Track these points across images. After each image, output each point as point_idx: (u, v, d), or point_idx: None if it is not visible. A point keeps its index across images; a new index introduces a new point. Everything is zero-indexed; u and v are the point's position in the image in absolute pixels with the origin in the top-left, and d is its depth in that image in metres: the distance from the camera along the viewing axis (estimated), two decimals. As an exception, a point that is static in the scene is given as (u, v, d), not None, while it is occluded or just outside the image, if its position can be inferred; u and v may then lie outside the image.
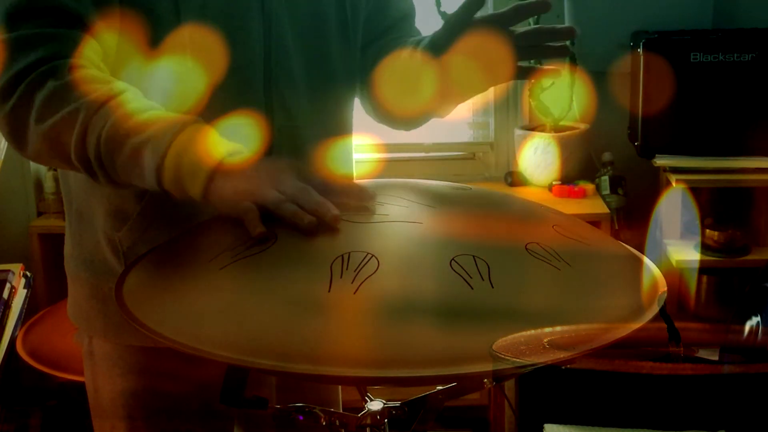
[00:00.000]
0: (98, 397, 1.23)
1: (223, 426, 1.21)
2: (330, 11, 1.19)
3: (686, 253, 2.28)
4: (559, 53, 1.17)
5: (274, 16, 1.13)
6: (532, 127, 2.55)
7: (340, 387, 1.34)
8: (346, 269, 0.83)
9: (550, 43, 1.12)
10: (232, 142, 0.97)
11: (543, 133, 2.49)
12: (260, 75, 1.12)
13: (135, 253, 1.10)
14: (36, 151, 1.00)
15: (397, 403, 0.95)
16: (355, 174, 1.29)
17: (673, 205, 2.32)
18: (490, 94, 2.67)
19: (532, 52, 1.14)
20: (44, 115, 0.96)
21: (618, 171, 2.52)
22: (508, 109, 2.67)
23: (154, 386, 1.18)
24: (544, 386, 0.68)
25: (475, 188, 1.10)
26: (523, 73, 1.15)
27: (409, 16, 1.33)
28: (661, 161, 2.35)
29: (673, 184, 2.28)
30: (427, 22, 2.45)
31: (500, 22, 1.11)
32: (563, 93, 2.48)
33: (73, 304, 1.24)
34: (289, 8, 1.14)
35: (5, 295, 2.20)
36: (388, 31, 1.29)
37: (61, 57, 0.99)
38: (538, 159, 2.47)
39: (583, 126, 2.53)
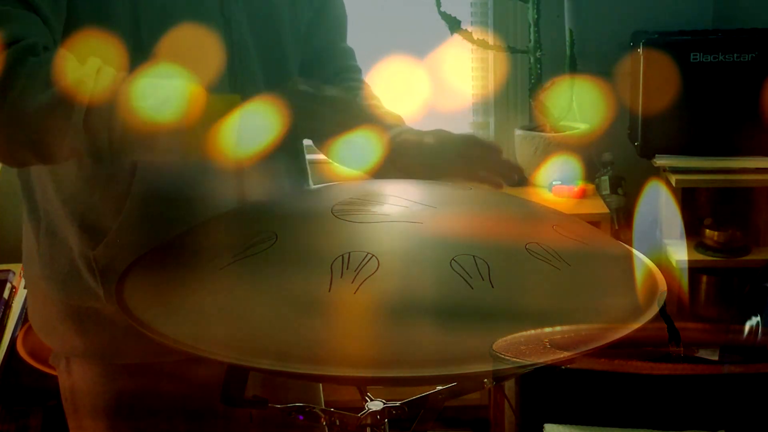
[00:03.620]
0: (79, 416, 1.21)
1: (224, 426, 1.21)
2: (284, 13, 1.20)
3: (686, 253, 2.28)
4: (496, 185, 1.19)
5: (233, 18, 1.13)
6: (532, 127, 2.54)
7: (320, 385, 1.33)
8: (347, 269, 0.83)
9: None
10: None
11: (543, 133, 2.48)
12: (226, 78, 1.12)
13: (111, 271, 1.08)
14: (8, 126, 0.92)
15: (397, 403, 0.95)
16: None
17: (672, 205, 2.32)
18: (490, 94, 2.67)
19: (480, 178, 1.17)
20: (30, 92, 0.91)
21: (618, 171, 2.52)
22: (508, 109, 2.67)
23: (142, 398, 1.17)
24: (544, 386, 0.68)
25: (475, 188, 1.10)
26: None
27: (343, 27, 1.34)
28: (661, 161, 2.35)
29: (673, 184, 2.28)
30: (428, 22, 2.46)
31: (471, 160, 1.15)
32: (563, 93, 2.48)
33: (46, 325, 1.20)
34: (247, 10, 1.14)
35: (6, 295, 2.20)
36: (327, 46, 1.30)
37: (35, 36, 0.95)
38: (538, 159, 2.47)
39: (583, 126, 2.53)
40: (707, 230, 2.32)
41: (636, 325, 0.81)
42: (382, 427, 0.94)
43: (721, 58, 2.31)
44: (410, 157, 1.14)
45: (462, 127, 2.71)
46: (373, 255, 0.84)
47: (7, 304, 2.18)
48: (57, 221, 1.13)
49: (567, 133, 2.48)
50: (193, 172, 1.08)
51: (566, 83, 2.46)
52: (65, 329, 1.17)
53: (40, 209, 1.15)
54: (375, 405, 0.95)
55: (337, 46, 1.32)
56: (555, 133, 2.48)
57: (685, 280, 2.24)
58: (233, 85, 1.13)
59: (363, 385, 0.98)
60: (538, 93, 2.47)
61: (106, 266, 1.10)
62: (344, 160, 1.13)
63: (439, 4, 2.40)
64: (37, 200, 1.15)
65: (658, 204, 2.34)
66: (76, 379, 1.19)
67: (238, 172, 1.13)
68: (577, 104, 2.52)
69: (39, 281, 1.18)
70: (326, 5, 1.29)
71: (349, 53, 1.34)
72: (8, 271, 2.18)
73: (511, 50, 2.49)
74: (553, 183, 2.47)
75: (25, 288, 1.26)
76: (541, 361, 0.69)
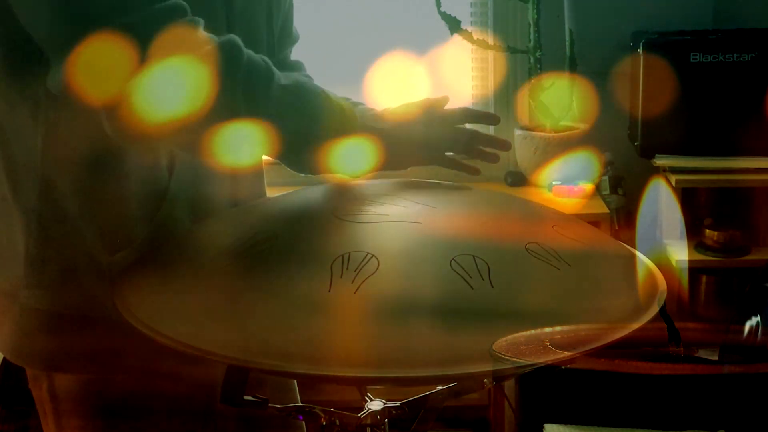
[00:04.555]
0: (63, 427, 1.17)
1: (224, 426, 1.21)
2: (261, 19, 1.20)
3: (686, 253, 2.28)
4: (489, 159, 1.26)
5: (234, 33, 1.12)
6: (532, 127, 2.54)
7: (295, 381, 1.32)
8: (346, 269, 0.83)
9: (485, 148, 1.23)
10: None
11: (543, 133, 2.48)
12: None
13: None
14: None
15: (397, 403, 0.95)
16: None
17: (673, 205, 2.32)
18: (490, 94, 2.67)
19: (465, 150, 1.23)
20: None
21: (618, 171, 2.51)
22: (508, 109, 2.67)
23: (140, 399, 1.14)
24: (544, 386, 0.68)
25: (475, 188, 1.10)
26: (445, 163, 1.25)
27: (294, 43, 1.37)
28: (661, 161, 2.35)
29: (673, 184, 2.28)
30: (428, 23, 2.46)
31: (447, 121, 1.20)
32: (563, 93, 2.47)
33: (26, 343, 1.13)
34: (242, 24, 1.14)
35: (5, 295, 2.19)
36: (284, 60, 1.32)
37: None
38: (538, 159, 2.47)
39: (583, 126, 2.53)
40: (707, 230, 2.32)
41: (636, 325, 0.81)
42: (382, 427, 0.94)
43: (721, 58, 2.31)
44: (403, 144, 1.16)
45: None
46: (373, 255, 0.84)
47: (7, 304, 2.18)
48: (56, 226, 1.07)
49: (567, 133, 2.48)
50: (209, 174, 1.09)
51: (566, 83, 2.46)
52: (48, 342, 1.11)
53: (32, 213, 1.07)
54: (375, 405, 0.95)
55: (289, 59, 1.34)
56: (555, 133, 2.48)
57: (685, 280, 2.24)
58: None
59: (363, 385, 0.98)
60: (538, 93, 2.47)
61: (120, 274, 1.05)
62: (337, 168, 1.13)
63: (439, 5, 2.40)
64: (29, 203, 1.07)
65: (659, 204, 2.34)
66: (61, 394, 1.15)
67: (232, 176, 1.15)
68: (577, 104, 2.52)
69: (17, 291, 1.10)
70: (286, 26, 1.30)
71: (300, 66, 1.35)
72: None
73: (511, 50, 2.49)
74: (553, 183, 2.47)
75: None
76: (541, 361, 0.69)
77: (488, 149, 1.25)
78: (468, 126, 1.24)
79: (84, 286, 1.08)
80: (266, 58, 1.03)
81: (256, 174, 1.24)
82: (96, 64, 0.92)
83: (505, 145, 1.26)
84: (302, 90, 1.05)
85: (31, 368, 1.17)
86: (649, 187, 2.37)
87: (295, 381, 1.31)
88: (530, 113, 2.59)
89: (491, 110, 2.69)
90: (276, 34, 1.25)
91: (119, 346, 1.08)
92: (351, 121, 1.09)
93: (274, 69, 1.03)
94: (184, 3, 0.98)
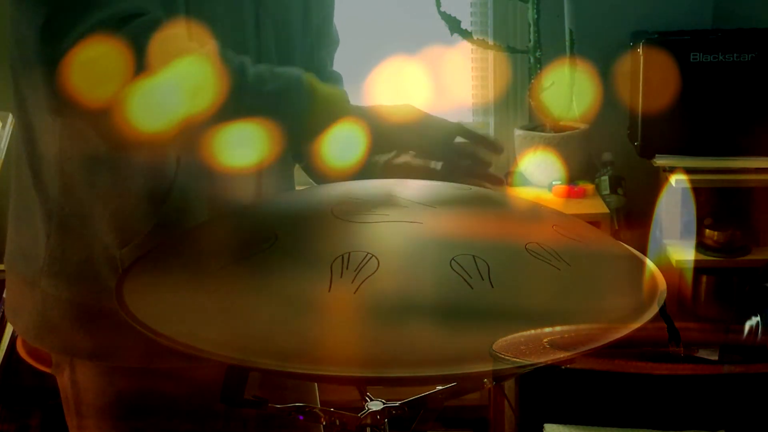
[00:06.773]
0: (81, 417, 1.19)
1: (224, 426, 1.21)
2: (296, 23, 1.21)
3: (686, 253, 2.28)
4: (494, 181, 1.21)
5: (263, 29, 1.14)
6: (532, 127, 2.54)
7: (316, 384, 1.33)
8: (346, 269, 0.83)
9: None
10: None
11: (543, 133, 2.49)
12: None
13: None
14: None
15: (397, 403, 0.95)
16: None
17: (673, 205, 2.32)
18: (490, 94, 2.67)
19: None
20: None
21: (618, 171, 2.52)
22: (508, 109, 2.67)
23: (143, 398, 1.15)
24: (544, 386, 0.68)
25: (475, 188, 1.10)
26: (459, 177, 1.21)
27: (334, 51, 1.36)
28: (661, 161, 2.35)
29: (673, 184, 2.28)
30: (428, 23, 2.46)
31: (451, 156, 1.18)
32: (563, 93, 2.48)
33: (47, 328, 1.15)
34: (273, 22, 1.16)
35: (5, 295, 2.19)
36: (320, 71, 1.30)
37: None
38: (538, 159, 2.47)
39: (583, 126, 2.53)
40: (707, 230, 2.32)
41: (636, 325, 0.81)
42: (382, 427, 0.94)
43: (721, 58, 2.31)
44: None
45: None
46: (373, 255, 0.84)
47: (7, 304, 2.18)
48: (77, 216, 1.11)
49: (567, 133, 2.48)
50: (222, 171, 1.10)
51: (566, 83, 2.46)
52: (72, 330, 1.14)
53: (53, 204, 1.11)
54: (375, 405, 0.95)
55: (327, 70, 1.33)
56: (555, 133, 2.48)
57: (685, 280, 2.24)
58: None
59: (363, 385, 0.98)
60: (538, 93, 2.47)
61: None
62: (327, 159, 1.14)
63: (439, 5, 2.40)
64: (50, 195, 1.11)
65: (660, 204, 2.34)
66: (81, 382, 1.17)
67: (258, 173, 1.15)
68: (577, 104, 2.52)
69: (41, 278, 1.14)
70: (325, 26, 1.30)
71: (338, 78, 1.35)
72: (8, 271, 2.17)
73: (511, 50, 2.49)
74: (553, 183, 2.47)
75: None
76: (541, 361, 0.69)
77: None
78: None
79: (100, 277, 1.11)
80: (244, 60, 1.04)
81: (283, 171, 1.24)
82: (88, 71, 0.94)
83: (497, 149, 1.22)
84: (283, 80, 1.06)
85: (51, 353, 1.19)
86: (652, 188, 2.38)
87: (316, 384, 1.32)
88: (530, 113, 2.59)
89: (491, 111, 2.70)
90: (313, 36, 1.26)
91: (131, 339, 1.09)
92: (341, 104, 1.09)
93: (248, 66, 1.04)
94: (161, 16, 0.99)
